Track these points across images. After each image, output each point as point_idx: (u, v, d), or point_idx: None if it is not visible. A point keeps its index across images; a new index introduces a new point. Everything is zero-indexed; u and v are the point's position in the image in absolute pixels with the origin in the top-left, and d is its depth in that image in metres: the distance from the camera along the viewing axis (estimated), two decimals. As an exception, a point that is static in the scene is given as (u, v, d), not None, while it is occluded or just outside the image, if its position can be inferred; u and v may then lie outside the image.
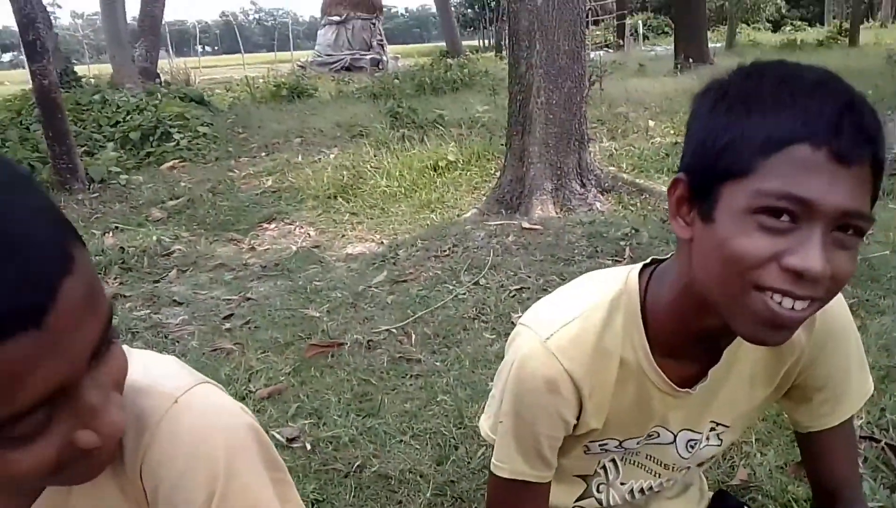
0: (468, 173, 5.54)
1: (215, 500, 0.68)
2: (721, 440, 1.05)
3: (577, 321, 0.92)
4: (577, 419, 0.96)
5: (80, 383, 0.57)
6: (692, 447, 1.04)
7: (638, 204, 4.30)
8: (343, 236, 4.65)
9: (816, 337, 0.96)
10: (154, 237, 4.74)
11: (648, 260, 0.96)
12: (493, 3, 30.56)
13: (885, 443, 1.86)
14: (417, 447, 2.00)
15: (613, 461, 1.07)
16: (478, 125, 7.10)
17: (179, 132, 7.14)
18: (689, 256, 0.81)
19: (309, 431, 2.07)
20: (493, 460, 1.01)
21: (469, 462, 1.92)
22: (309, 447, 1.98)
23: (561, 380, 0.91)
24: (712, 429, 1.03)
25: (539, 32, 4.25)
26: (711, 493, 1.25)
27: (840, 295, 0.93)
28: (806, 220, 0.71)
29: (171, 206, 5.35)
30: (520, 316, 2.65)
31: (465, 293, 3.01)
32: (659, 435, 1.02)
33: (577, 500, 1.11)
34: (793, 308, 0.73)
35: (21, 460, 0.57)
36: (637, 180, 4.58)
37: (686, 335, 0.90)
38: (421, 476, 1.87)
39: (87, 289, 0.56)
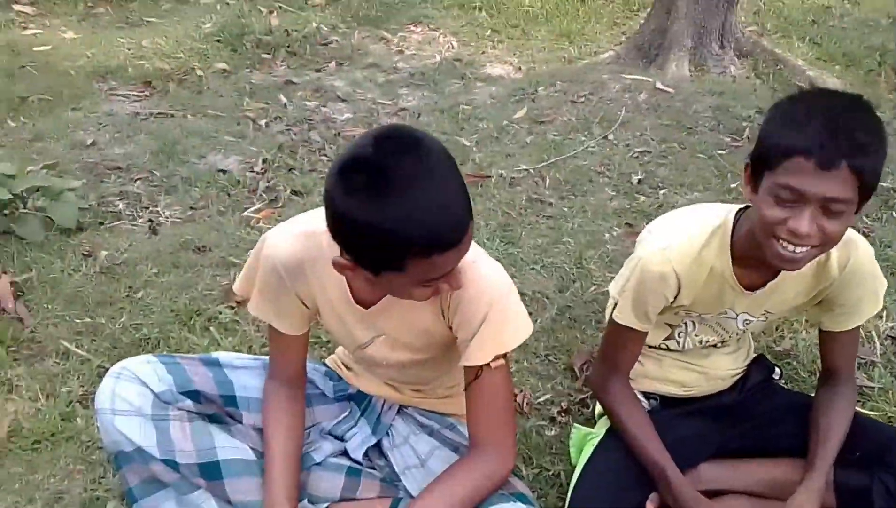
0: (611, 7, 5.66)
1: (488, 316, 1.35)
2: (767, 320, 1.67)
3: (686, 240, 1.52)
4: (675, 298, 1.56)
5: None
6: (747, 323, 1.66)
7: (771, 75, 4.47)
8: (483, 52, 5.00)
9: (845, 275, 1.55)
10: (314, 24, 5.20)
11: (743, 207, 1.53)
12: None
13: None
14: (545, 275, 2.62)
15: (693, 321, 1.67)
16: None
17: None
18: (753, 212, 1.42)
19: (464, 247, 2.70)
20: (615, 312, 1.63)
21: (583, 295, 2.54)
22: (466, 261, 2.63)
23: (669, 275, 1.51)
24: (763, 315, 1.64)
25: None
26: (755, 355, 1.86)
27: (868, 249, 1.52)
28: (802, 201, 1.27)
29: (329, -8, 5.72)
30: (640, 178, 3.17)
31: (594, 147, 3.47)
32: (726, 313, 1.63)
33: (664, 339, 1.73)
34: (794, 251, 1.33)
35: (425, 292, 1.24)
36: (776, 50, 4.69)
37: (753, 258, 1.47)
38: (547, 298, 2.51)
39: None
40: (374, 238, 1.15)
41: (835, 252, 1.48)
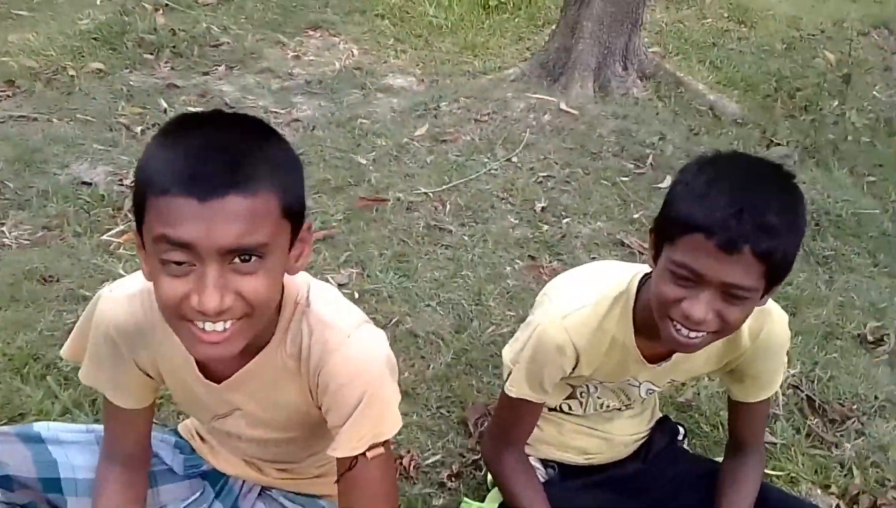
0: (516, 20, 5.55)
1: (363, 402, 1.12)
2: (672, 385, 1.58)
3: (587, 308, 1.38)
4: (574, 369, 1.42)
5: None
6: (650, 392, 1.55)
7: (673, 97, 4.47)
8: (385, 61, 4.78)
9: (757, 345, 1.42)
10: (204, 24, 4.84)
11: (650, 271, 1.37)
12: None
13: (806, 395, 2.32)
14: (442, 313, 2.43)
15: (595, 384, 1.53)
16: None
17: None
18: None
19: (355, 281, 2.49)
20: (508, 384, 1.47)
21: (481, 336, 2.37)
22: (356, 295, 2.41)
23: (566, 346, 1.37)
24: (668, 383, 1.53)
25: None
26: (660, 415, 1.73)
27: (783, 319, 1.36)
28: (700, 283, 1.14)
29: (222, -9, 5.37)
30: (543, 205, 3.02)
31: (497, 169, 3.32)
32: (629, 380, 1.50)
33: (564, 399, 1.57)
34: (688, 336, 1.20)
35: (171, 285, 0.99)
36: (678, 73, 4.70)
37: (656, 329, 1.31)
38: (442, 340, 2.32)
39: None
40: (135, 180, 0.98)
41: (748, 320, 1.35)
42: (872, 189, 3.77)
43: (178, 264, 0.93)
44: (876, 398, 2.32)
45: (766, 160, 1.23)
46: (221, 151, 0.93)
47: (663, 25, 5.77)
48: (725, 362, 1.47)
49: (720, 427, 2.11)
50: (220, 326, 0.98)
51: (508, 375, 1.47)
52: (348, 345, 1.13)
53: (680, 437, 1.77)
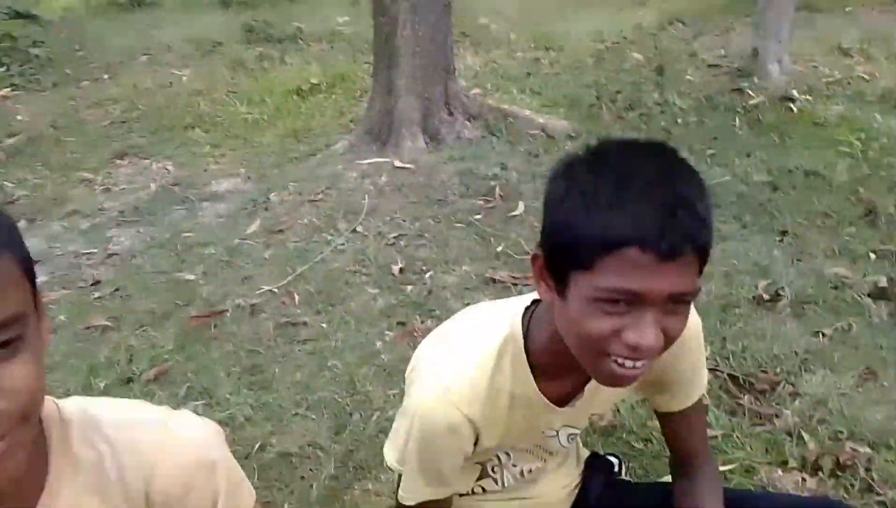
0: (333, 97, 5.39)
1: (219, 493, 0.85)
2: (592, 422, 1.24)
3: (471, 372, 1.06)
4: (475, 445, 1.11)
5: None
6: (572, 438, 1.23)
7: (504, 130, 4.39)
8: (205, 170, 4.45)
9: (674, 346, 1.12)
10: (-6, 184, 4.36)
11: (529, 301, 1.10)
12: None
13: (727, 374, 2.13)
14: (314, 418, 2.07)
15: (506, 452, 1.22)
16: (339, 39, 6.86)
17: (7, 55, 6.42)
18: (555, 316, 0.97)
19: (202, 413, 2.08)
20: (399, 491, 1.15)
21: (365, 429, 2.03)
22: (205, 431, 2.01)
23: (461, 424, 1.06)
24: (587, 420, 1.23)
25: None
26: (587, 453, 1.44)
27: (693, 310, 1.12)
28: (639, 305, 0.87)
29: (10, 145, 4.88)
30: (401, 267, 2.74)
31: (343, 243, 3.03)
32: (544, 433, 1.19)
33: (476, 481, 1.26)
34: (634, 366, 0.91)
35: None
36: (502, 106, 4.65)
37: (563, 365, 1.04)
38: (321, 450, 1.96)
39: None
40: None
41: None
42: (716, 160, 3.78)
43: None
44: (795, 353, 2.18)
45: (641, 140, 0.98)
46: None
47: (477, 69, 5.79)
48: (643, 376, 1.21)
49: (653, 440, 1.87)
50: None
51: (399, 480, 1.15)
52: (173, 441, 0.83)
53: (616, 469, 1.49)
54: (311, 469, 1.89)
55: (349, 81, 5.61)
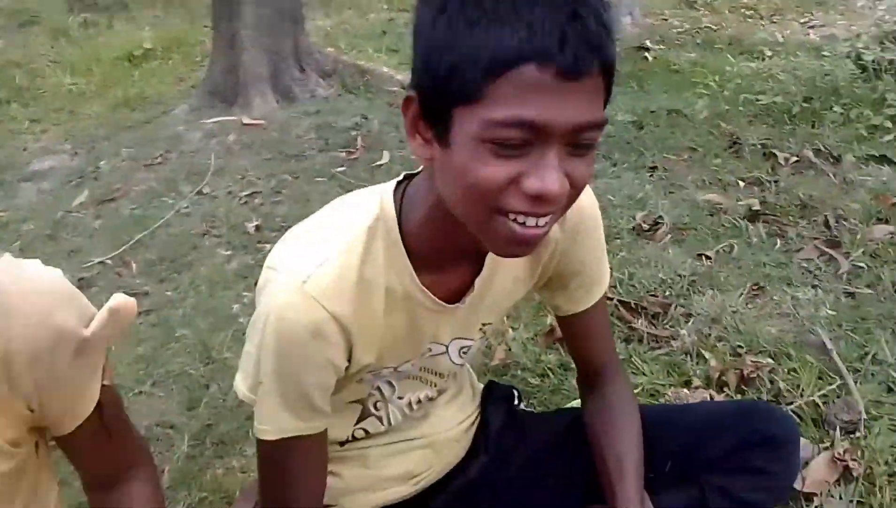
0: (170, 63, 4.93)
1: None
2: (486, 335, 1.06)
3: (334, 258, 0.84)
4: (349, 359, 0.89)
5: None
6: (465, 352, 1.03)
7: (362, 87, 4.14)
8: (25, 149, 3.91)
9: (568, 230, 0.98)
10: None
11: (401, 176, 0.90)
12: None
13: (617, 301, 2.02)
14: (162, 394, 1.76)
15: (388, 382, 1.00)
16: (173, 4, 6.33)
17: None
18: (434, 174, 0.79)
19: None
20: (256, 424, 0.90)
21: (224, 401, 1.74)
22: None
23: (326, 325, 0.83)
24: (480, 331, 1.03)
25: None
26: (482, 386, 1.25)
27: (588, 188, 0.96)
28: (540, 142, 0.70)
29: None
30: (257, 224, 2.46)
31: (188, 206, 2.68)
32: (431, 350, 0.99)
33: (356, 424, 1.02)
34: (536, 225, 0.74)
35: None
36: (359, 62, 4.39)
37: (446, 250, 0.88)
38: (172, 428, 1.65)
39: None
40: None
41: None
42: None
43: None
44: (681, 276, 2.10)
45: None
46: None
47: (329, 29, 5.49)
48: (539, 269, 1.02)
49: (550, 373, 1.73)
50: None
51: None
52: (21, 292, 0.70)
53: (516, 402, 1.29)
54: (161, 451, 1.58)
55: (188, 46, 5.16)
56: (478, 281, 0.93)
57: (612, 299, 2.01)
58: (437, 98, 0.72)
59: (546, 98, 0.67)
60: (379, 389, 1.01)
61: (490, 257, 0.93)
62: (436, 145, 0.74)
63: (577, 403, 1.29)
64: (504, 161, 0.70)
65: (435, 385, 1.07)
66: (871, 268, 2.12)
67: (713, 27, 5.07)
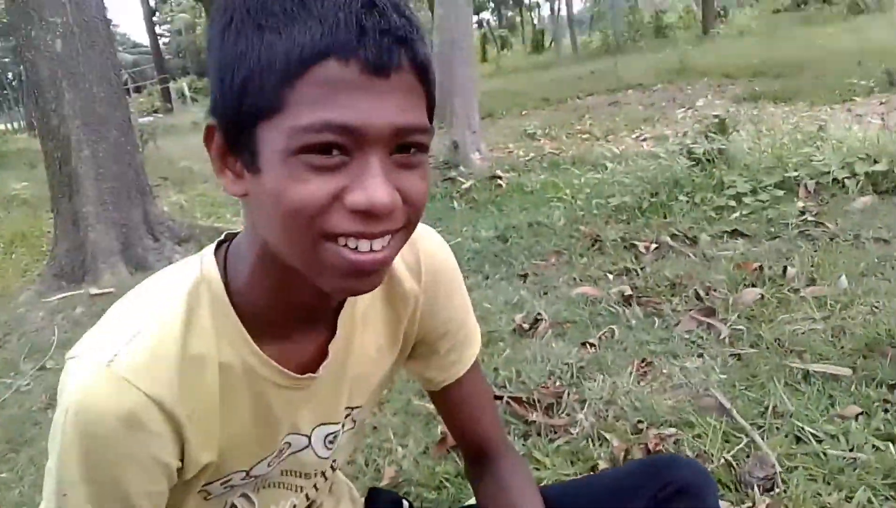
0: (13, 257, 4.63)
1: None
2: (355, 422, 0.90)
3: (148, 330, 0.68)
4: (182, 458, 0.71)
5: None
6: (331, 442, 0.86)
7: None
8: None
9: (427, 284, 0.88)
10: None
11: (222, 236, 0.78)
12: (13, 82, 27.12)
13: (508, 397, 1.91)
14: None
15: (244, 495, 0.82)
16: (17, 203, 6.08)
17: None
18: (252, 213, 0.68)
19: None
20: None
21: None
22: None
23: (143, 412, 0.67)
24: (347, 413, 0.87)
25: (66, 80, 3.71)
26: (363, 497, 1.08)
27: (430, 233, 0.89)
28: (358, 149, 0.61)
29: None
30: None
31: (28, 384, 2.40)
32: (291, 444, 0.82)
33: None
34: (371, 249, 0.64)
35: None
36: (216, 225, 4.30)
37: (284, 309, 0.74)
38: None
39: None
40: None
41: (397, 257, 0.80)
42: (444, 233, 3.74)
43: None
44: (568, 364, 2.06)
45: None
46: None
47: (184, 202, 5.44)
48: (403, 329, 0.90)
49: (447, 483, 1.57)
50: None
51: None
52: None
53: (406, 508, 1.12)
54: None
55: (32, 238, 4.90)
56: (331, 346, 0.79)
57: (501, 397, 1.90)
58: (237, 119, 0.63)
59: (354, 97, 0.60)
60: (234, 507, 0.83)
61: (343, 318, 0.80)
62: (247, 176, 0.64)
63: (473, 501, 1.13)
64: (322, 176, 0.61)
65: (301, 489, 0.89)
66: (750, 329, 2.14)
67: (555, 152, 5.41)
